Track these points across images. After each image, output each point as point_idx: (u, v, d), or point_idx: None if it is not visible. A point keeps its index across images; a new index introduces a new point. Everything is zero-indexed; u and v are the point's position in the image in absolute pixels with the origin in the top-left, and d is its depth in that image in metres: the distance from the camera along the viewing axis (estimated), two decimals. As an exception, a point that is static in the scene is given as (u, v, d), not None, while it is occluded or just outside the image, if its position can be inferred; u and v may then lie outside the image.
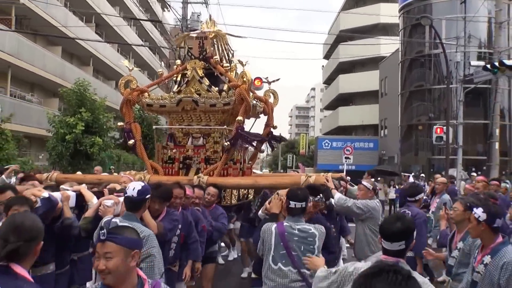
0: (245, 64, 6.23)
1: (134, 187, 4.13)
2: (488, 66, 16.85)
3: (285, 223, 4.27)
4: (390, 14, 36.20)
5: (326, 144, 41.14)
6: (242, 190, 7.01)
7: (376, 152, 40.13)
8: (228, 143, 6.21)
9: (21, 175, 6.90)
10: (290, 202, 4.30)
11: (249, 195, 7.47)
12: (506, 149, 27.98)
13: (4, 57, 23.68)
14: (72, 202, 5.05)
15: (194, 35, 6.74)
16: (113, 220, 4.09)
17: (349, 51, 41.83)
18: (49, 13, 26.71)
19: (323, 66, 60.72)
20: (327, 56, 55.27)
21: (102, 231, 2.54)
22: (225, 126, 6.71)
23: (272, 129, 7.31)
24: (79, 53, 32.71)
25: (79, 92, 20.20)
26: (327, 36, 53.82)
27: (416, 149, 33.19)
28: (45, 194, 4.62)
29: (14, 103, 24.17)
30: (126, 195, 4.14)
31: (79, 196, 5.22)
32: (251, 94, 6.52)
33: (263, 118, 7.45)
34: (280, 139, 7.05)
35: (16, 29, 25.22)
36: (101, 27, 34.34)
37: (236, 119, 6.22)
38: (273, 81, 6.76)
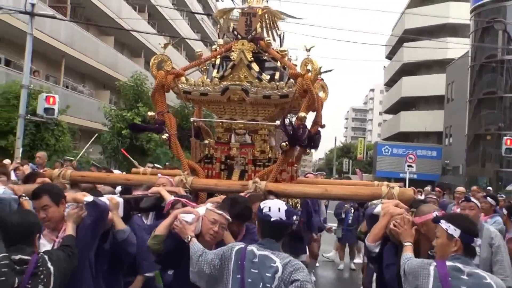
0: (309, 49, 5.16)
1: (279, 207, 3.26)
2: None
3: (449, 263, 3.12)
4: (460, 13, 34.50)
5: (386, 151, 40.08)
6: (294, 199, 6.02)
7: (439, 161, 38.47)
8: (286, 143, 5.17)
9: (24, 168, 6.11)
10: (474, 238, 3.17)
11: (298, 205, 6.46)
12: None
13: (59, 46, 23.68)
14: (121, 211, 4.08)
15: (240, 10, 5.77)
16: (249, 248, 3.19)
17: (414, 52, 40.11)
18: (103, 1, 26.54)
19: (384, 66, 58.58)
20: (389, 57, 53.39)
21: None
22: (277, 122, 5.72)
23: (320, 128, 6.27)
24: (131, 44, 32.42)
25: (136, 86, 20.28)
26: (390, 35, 52.09)
27: (483, 160, 31.46)
28: (89, 198, 3.67)
29: (67, 94, 24.15)
30: (272, 219, 3.22)
31: (127, 204, 4.23)
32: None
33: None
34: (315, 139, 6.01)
35: (71, 19, 25.24)
36: (153, 16, 34.13)
37: (299, 115, 5.17)
38: (325, 71, 5.71)
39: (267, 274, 3.10)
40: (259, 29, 5.69)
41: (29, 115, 16.12)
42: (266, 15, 5.87)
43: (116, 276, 4.28)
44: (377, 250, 3.88)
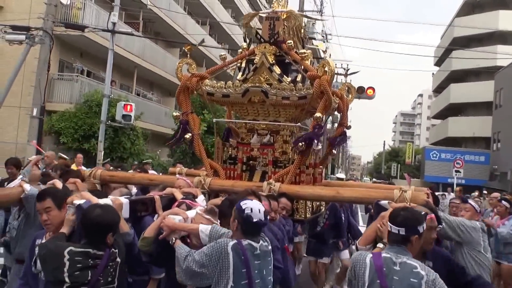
0: (325, 51, 4.77)
1: (259, 209, 3.19)
2: None
3: (384, 254, 3.01)
4: (509, 21, 32.48)
5: (434, 155, 38.24)
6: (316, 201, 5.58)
7: (488, 167, 36.28)
8: (303, 143, 4.77)
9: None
10: (390, 225, 3.08)
11: (321, 207, 5.99)
12: None
13: (132, 58, 24.29)
14: (126, 212, 3.72)
15: (264, 14, 5.43)
16: (245, 243, 3.10)
17: (463, 60, 38.18)
18: (170, 16, 26.97)
19: (433, 73, 56.05)
20: (438, 63, 51.20)
21: None
22: (298, 124, 5.33)
23: (346, 130, 5.79)
24: (194, 55, 32.78)
25: None
26: (439, 42, 49.99)
27: (532, 167, 29.36)
28: (77, 201, 3.41)
29: (138, 101, 24.68)
30: (254, 220, 3.13)
31: (135, 204, 3.86)
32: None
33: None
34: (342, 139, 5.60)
35: (143, 33, 25.79)
36: (214, 29, 34.61)
37: (314, 115, 4.81)
38: (352, 73, 5.24)
39: (269, 267, 3.25)
40: (283, 33, 5.33)
41: (109, 121, 16.70)
42: (290, 19, 5.50)
43: None
44: None
